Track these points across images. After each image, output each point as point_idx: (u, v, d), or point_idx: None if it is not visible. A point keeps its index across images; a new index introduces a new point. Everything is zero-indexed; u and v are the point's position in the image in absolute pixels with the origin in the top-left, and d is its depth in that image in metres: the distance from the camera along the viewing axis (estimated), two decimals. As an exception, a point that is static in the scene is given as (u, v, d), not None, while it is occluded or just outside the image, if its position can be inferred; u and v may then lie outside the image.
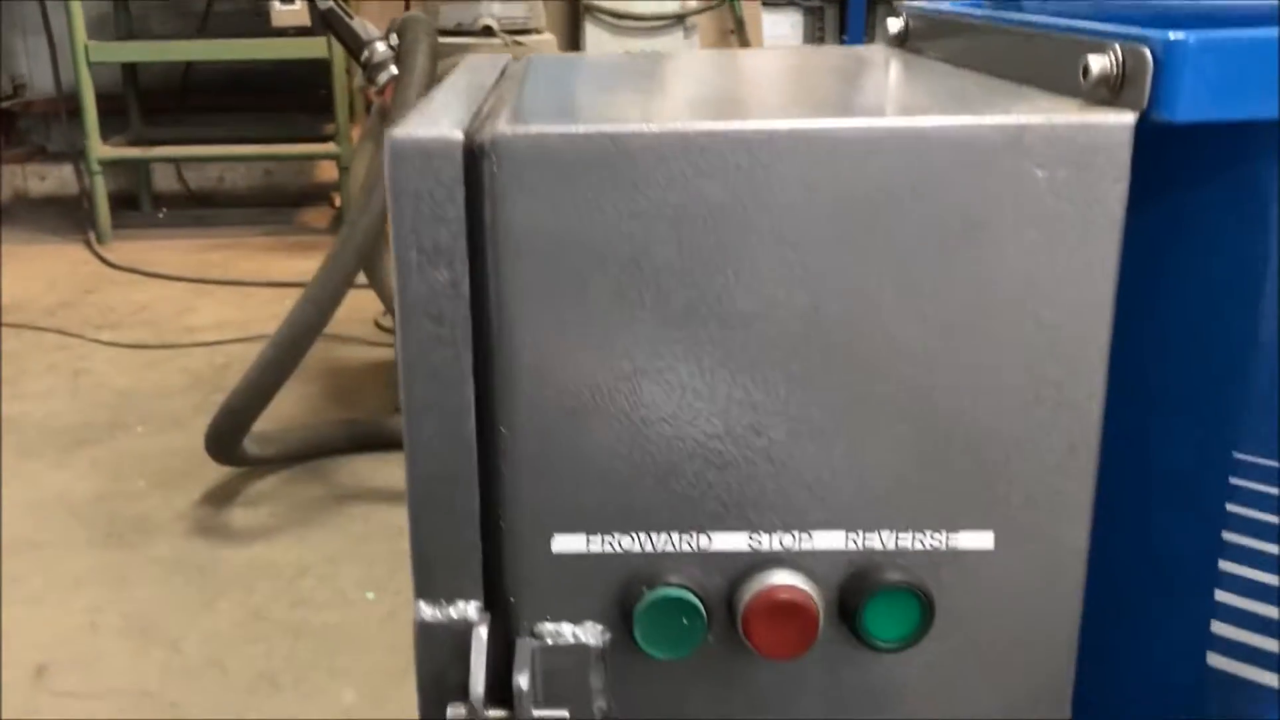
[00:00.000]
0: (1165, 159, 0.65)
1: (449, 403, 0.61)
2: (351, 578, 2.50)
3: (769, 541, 0.65)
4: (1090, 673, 0.70)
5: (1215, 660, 0.71)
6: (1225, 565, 0.70)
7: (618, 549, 0.64)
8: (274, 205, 4.89)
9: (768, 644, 0.64)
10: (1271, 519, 0.68)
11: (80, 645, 2.29)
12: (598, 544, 0.64)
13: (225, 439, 2.60)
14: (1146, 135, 0.60)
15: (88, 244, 4.44)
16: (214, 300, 3.96)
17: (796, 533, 0.64)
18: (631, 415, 0.62)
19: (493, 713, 0.63)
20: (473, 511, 0.63)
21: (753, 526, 0.64)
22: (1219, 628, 0.71)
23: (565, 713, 0.64)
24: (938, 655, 0.66)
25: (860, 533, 0.65)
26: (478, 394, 0.62)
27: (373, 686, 2.12)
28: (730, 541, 0.65)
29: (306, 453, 2.87)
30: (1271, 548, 0.68)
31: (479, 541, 0.64)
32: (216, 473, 2.84)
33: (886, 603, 0.64)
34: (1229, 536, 0.69)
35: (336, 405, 3.21)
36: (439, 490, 0.63)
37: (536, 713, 0.63)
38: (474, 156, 0.58)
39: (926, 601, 0.64)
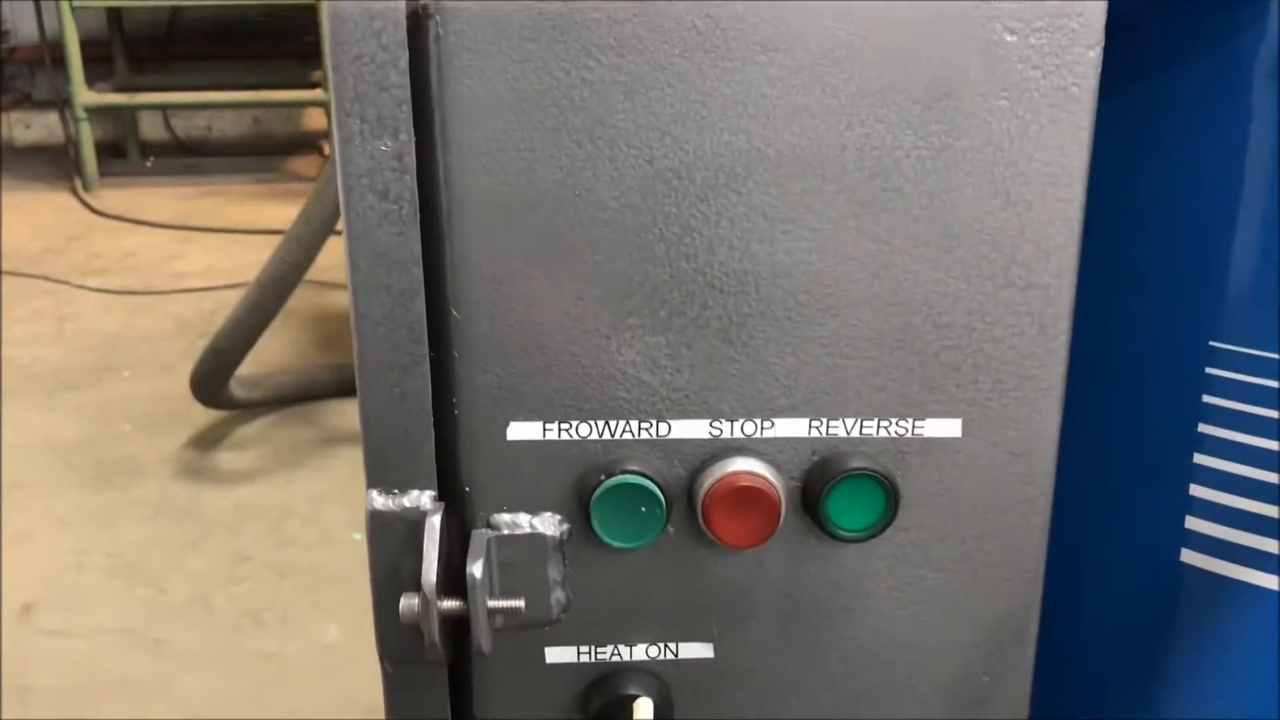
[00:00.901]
0: (1144, 32, 0.63)
1: (397, 283, 0.59)
2: (337, 519, 2.49)
3: (730, 429, 0.63)
4: (1061, 570, 0.69)
5: (1189, 557, 0.70)
6: (1200, 459, 0.68)
7: (575, 437, 0.63)
8: (262, 154, 4.84)
9: (728, 532, 0.62)
10: (1248, 409, 0.66)
11: (66, 584, 2.28)
12: (554, 432, 0.62)
13: (211, 380, 2.58)
14: (1125, 8, 0.57)
15: (74, 192, 4.40)
16: (202, 248, 3.92)
17: (758, 420, 0.63)
18: (587, 295, 0.60)
19: (447, 603, 0.61)
20: (424, 398, 0.61)
21: (713, 414, 0.62)
22: (1194, 523, 0.69)
23: (521, 603, 0.62)
24: (902, 546, 0.65)
25: (824, 420, 0.63)
26: (427, 274, 0.59)
27: (357, 623, 2.11)
28: (691, 429, 0.63)
29: (293, 396, 2.85)
30: (1249, 439, 0.66)
31: (431, 430, 0.62)
32: (203, 416, 2.82)
33: (850, 491, 0.62)
34: (1205, 429, 0.68)
35: (325, 351, 3.19)
36: (388, 376, 0.61)
37: (491, 603, 0.62)
38: (418, 19, 0.56)
39: (891, 490, 0.62)
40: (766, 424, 0.63)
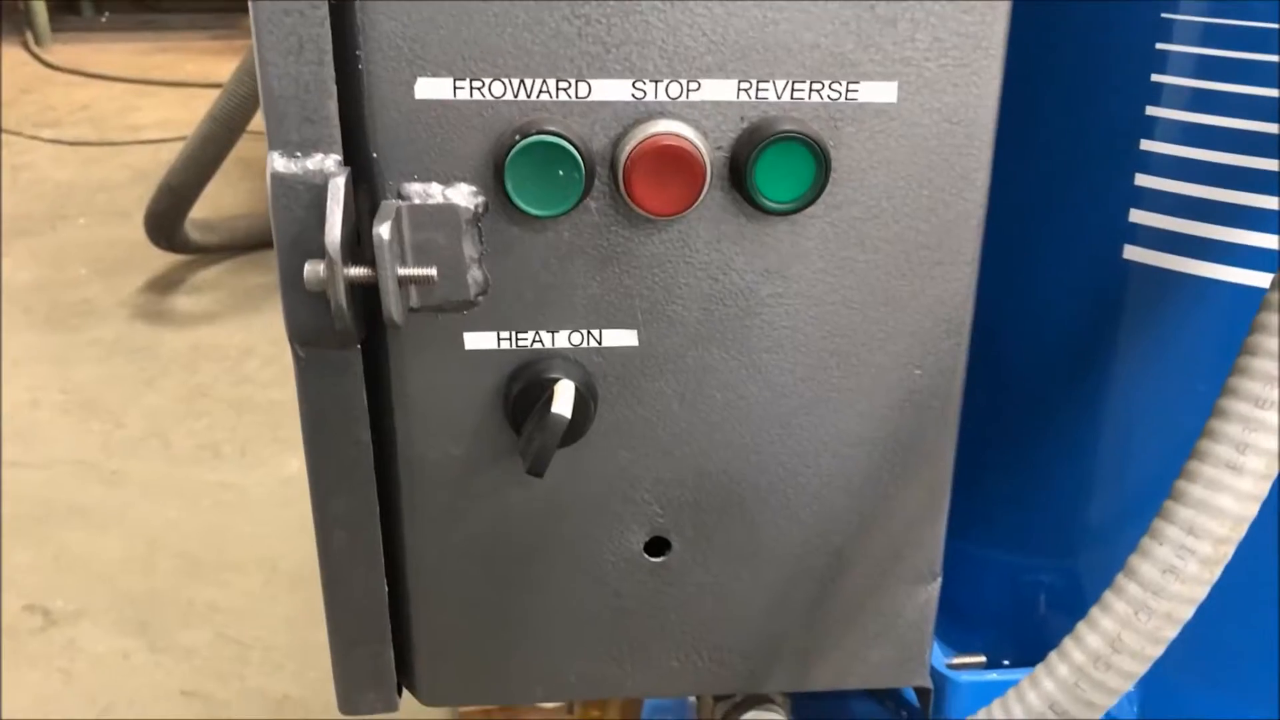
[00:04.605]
0: None
1: (290, -91, 0.55)
2: (298, 359, 2.46)
3: (654, 90, 0.59)
4: (998, 268, 0.66)
5: (1133, 253, 0.68)
6: (1148, 145, 0.65)
7: (488, 97, 0.59)
8: (222, 10, 4.68)
9: (650, 198, 0.59)
10: (1205, 85, 0.62)
11: (21, 420, 2.26)
12: (465, 91, 0.59)
13: (166, 218, 2.52)
14: None
15: (25, 46, 4.24)
16: (158, 101, 3.81)
17: (684, 81, 0.59)
18: (498, -68, 0.56)
19: (354, 270, 0.58)
20: (324, 46, 0.57)
21: (636, 73, 0.59)
22: (1138, 216, 0.67)
23: (433, 270, 0.59)
24: (833, 224, 0.62)
25: (753, 82, 0.59)
26: (324, -98, 0.55)
27: (316, 453, 2.10)
28: (612, 90, 0.59)
29: (250, 242, 2.79)
30: (1197, 118, 0.63)
31: (334, 86, 0.58)
32: (160, 261, 2.77)
33: (779, 156, 0.59)
34: (1154, 111, 0.64)
35: (285, 200, 3.12)
36: (284, 22, 0.57)
37: (402, 270, 0.59)
38: None
39: (821, 156, 0.59)
40: (692, 85, 0.59)
